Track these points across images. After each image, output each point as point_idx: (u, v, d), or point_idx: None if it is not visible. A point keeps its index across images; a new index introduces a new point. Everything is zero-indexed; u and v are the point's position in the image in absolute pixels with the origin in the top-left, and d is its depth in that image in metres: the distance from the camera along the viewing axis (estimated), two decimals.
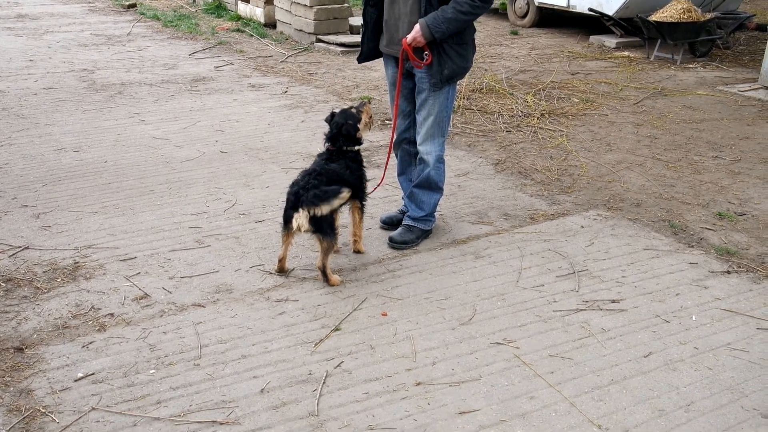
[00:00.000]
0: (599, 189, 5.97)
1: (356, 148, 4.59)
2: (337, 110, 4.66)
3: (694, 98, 8.76)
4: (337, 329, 3.97)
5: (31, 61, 9.65)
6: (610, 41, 11.64)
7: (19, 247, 4.71)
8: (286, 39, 11.56)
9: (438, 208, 5.12)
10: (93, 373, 3.53)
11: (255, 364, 3.65)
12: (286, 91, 8.66)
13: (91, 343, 3.76)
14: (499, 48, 11.36)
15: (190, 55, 10.28)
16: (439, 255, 4.79)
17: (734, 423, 3.34)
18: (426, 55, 4.44)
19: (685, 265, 4.76)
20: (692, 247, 5.03)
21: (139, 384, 3.47)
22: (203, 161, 6.27)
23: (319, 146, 6.23)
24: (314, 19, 10.87)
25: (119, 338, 3.81)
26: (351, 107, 4.65)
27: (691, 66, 10.47)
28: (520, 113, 7.89)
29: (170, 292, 4.26)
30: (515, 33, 12.47)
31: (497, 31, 12.60)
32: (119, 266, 4.52)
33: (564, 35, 12.28)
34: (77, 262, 4.54)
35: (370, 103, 4.45)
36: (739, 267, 4.76)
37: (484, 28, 12.86)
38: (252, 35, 11.58)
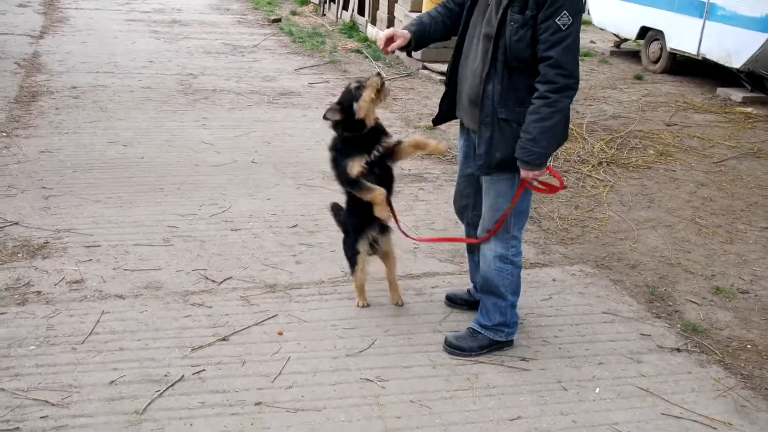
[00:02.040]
0: (603, 245, 5.63)
1: (354, 134, 3.93)
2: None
3: None
4: (224, 339, 4.07)
5: (150, 62, 10.53)
6: (736, 95, 10.81)
7: (10, 222, 5.21)
8: (399, 63, 11.78)
9: (432, 245, 4.94)
10: None
11: (124, 357, 3.84)
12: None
13: (2, 314, 4.12)
14: (610, 91, 10.90)
15: (295, 70, 10.75)
16: (381, 285, 4.74)
17: None
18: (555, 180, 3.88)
19: (634, 336, 4.41)
20: (659, 318, 4.64)
21: (13, 356, 3.76)
22: (229, 168, 6.59)
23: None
24: None
25: (29, 314, 4.15)
26: (355, 82, 3.95)
27: None
28: (577, 159, 7.57)
29: (104, 281, 4.56)
30: (639, 78, 11.89)
31: (621, 75, 12.07)
32: (80, 251, 4.89)
33: (692, 85, 11.54)
34: (47, 243, 4.97)
35: (379, 76, 3.88)
36: (695, 347, 4.33)
37: (610, 70, 12.37)
38: (367, 57, 11.90)
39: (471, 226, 4.27)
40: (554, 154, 7.26)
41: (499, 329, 4.09)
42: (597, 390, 3.86)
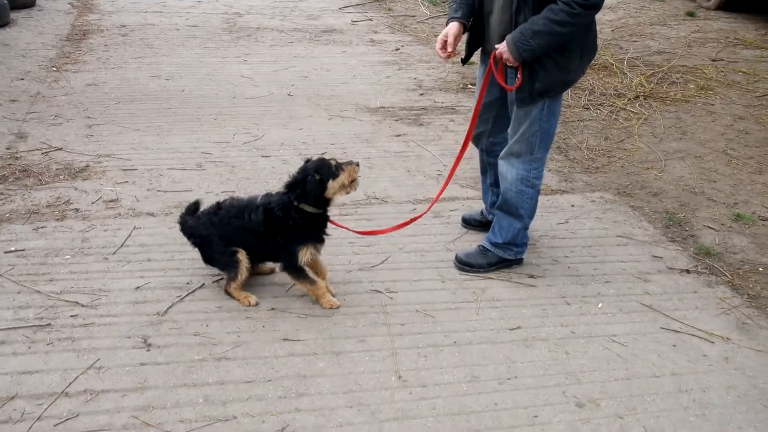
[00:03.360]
0: (628, 174, 5.66)
1: (311, 210, 3.64)
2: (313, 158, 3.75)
3: None
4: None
5: (199, 1, 10.74)
6: None
7: (55, 147, 5.52)
8: (444, 1, 11.72)
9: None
10: (23, 249, 4.19)
11: (151, 267, 4.11)
12: (397, 49, 8.92)
13: (42, 227, 4.44)
14: (658, 28, 10.67)
15: (340, 8, 10.82)
16: (406, 208, 4.87)
17: (540, 404, 3.25)
18: (517, 76, 3.71)
19: (645, 257, 4.49)
20: (674, 242, 4.70)
21: (49, 264, 4.07)
22: (265, 101, 6.79)
23: (381, 100, 6.45)
24: None
25: (66, 228, 4.45)
26: (332, 159, 3.69)
27: None
28: (614, 92, 7.52)
29: (138, 201, 4.84)
30: (691, 14, 11.57)
31: (672, 11, 11.76)
32: (117, 174, 5.17)
33: (746, 21, 11.18)
34: (88, 166, 5.27)
35: (358, 167, 3.71)
36: (705, 269, 4.39)
37: (662, 7, 12.06)
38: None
39: (485, 152, 4.38)
40: (593, 88, 7.24)
41: (508, 248, 4.21)
42: (600, 305, 3.98)
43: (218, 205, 3.87)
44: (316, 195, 3.59)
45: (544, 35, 3.46)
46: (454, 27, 3.86)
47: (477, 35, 3.99)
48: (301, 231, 3.66)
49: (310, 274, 3.80)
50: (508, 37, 3.57)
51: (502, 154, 4.07)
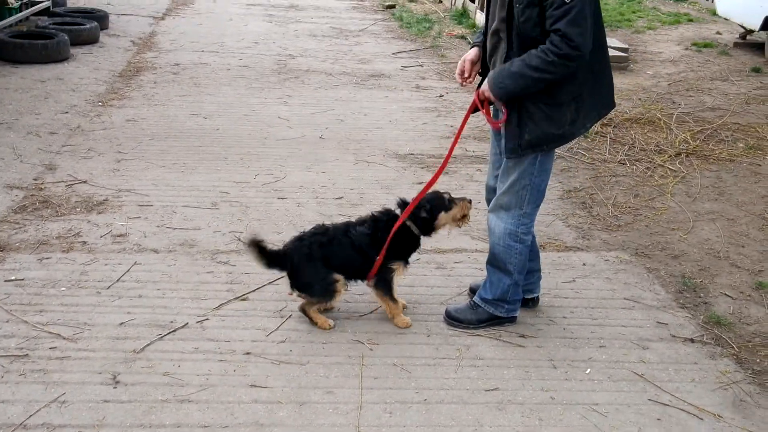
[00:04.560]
0: (651, 234, 5.46)
1: (415, 231, 3.98)
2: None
3: None
4: (236, 294, 4.31)
5: (255, 43, 11.03)
6: None
7: (80, 180, 5.70)
8: None
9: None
10: (23, 279, 4.31)
11: (140, 303, 4.16)
12: (441, 96, 8.93)
13: (47, 258, 4.56)
14: (719, 83, 10.36)
15: (393, 54, 10.93)
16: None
17: None
18: (502, 112, 3.72)
19: (649, 323, 4.30)
20: (684, 308, 4.49)
21: (44, 295, 4.17)
22: (295, 143, 6.87)
23: (412, 147, 6.40)
24: None
25: (69, 260, 4.56)
26: (446, 193, 4.05)
27: None
28: (655, 148, 7.32)
29: (146, 237, 4.93)
30: (757, 70, 11.20)
31: (738, 67, 11.41)
32: (132, 209, 5.29)
33: None
34: (106, 200, 5.41)
35: (470, 203, 4.07)
36: (711, 339, 4.17)
37: (727, 62, 11.72)
38: (470, 43, 11.89)
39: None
40: (633, 142, 7.05)
41: (499, 304, 4.09)
42: (588, 371, 3.81)
43: (324, 226, 4.04)
44: (426, 220, 3.92)
45: (517, 77, 3.47)
46: (472, 53, 3.92)
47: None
48: (400, 247, 3.95)
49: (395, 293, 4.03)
50: (490, 74, 3.64)
51: (491, 206, 3.99)
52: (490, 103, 3.75)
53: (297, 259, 3.92)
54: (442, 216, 3.96)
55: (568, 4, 3.34)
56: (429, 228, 4.00)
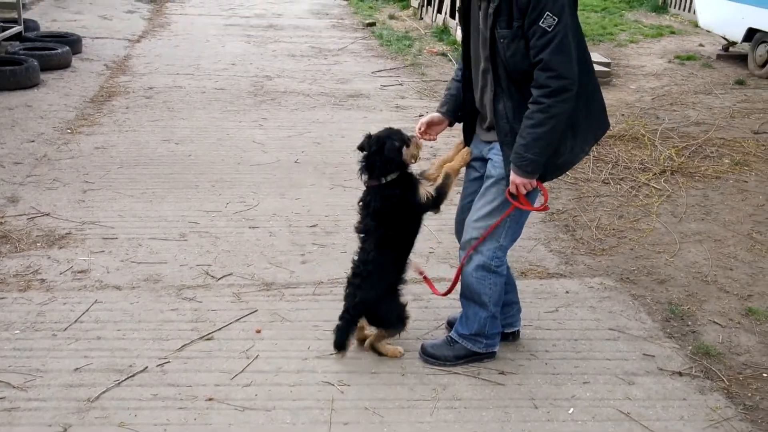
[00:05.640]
0: (636, 258, 5.27)
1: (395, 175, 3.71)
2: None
3: None
4: (201, 334, 4.09)
5: (232, 64, 10.83)
6: None
7: (43, 213, 5.47)
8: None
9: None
10: None
11: (98, 346, 3.94)
12: (421, 115, 8.72)
13: (2, 299, 4.34)
14: (702, 97, 10.24)
15: (372, 72, 10.76)
16: None
17: None
18: (540, 192, 3.62)
19: (635, 355, 4.10)
20: (671, 338, 4.29)
21: None
22: (269, 168, 6.66)
23: None
24: None
25: (26, 300, 4.33)
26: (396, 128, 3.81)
27: None
28: (639, 166, 7.15)
29: (108, 272, 4.70)
30: (741, 83, 11.10)
31: (721, 80, 11.30)
32: (96, 243, 5.07)
33: None
34: (69, 233, 5.18)
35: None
36: (700, 371, 3.97)
37: (711, 74, 11.63)
38: (450, 60, 11.76)
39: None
40: (616, 160, 6.89)
41: (476, 339, 3.89)
42: (571, 410, 3.61)
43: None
44: (395, 161, 3.69)
45: (533, 145, 3.36)
46: (434, 116, 3.85)
47: (470, 123, 3.86)
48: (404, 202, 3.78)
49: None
50: (511, 165, 3.47)
51: (462, 236, 3.83)
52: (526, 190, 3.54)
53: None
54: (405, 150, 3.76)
55: (550, 32, 3.25)
56: (400, 165, 3.76)
